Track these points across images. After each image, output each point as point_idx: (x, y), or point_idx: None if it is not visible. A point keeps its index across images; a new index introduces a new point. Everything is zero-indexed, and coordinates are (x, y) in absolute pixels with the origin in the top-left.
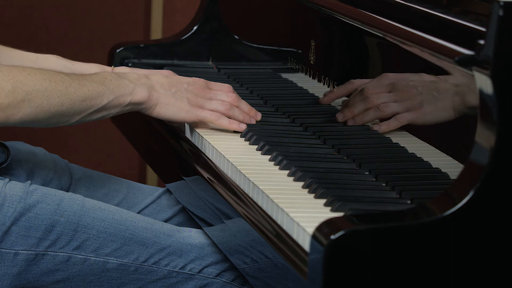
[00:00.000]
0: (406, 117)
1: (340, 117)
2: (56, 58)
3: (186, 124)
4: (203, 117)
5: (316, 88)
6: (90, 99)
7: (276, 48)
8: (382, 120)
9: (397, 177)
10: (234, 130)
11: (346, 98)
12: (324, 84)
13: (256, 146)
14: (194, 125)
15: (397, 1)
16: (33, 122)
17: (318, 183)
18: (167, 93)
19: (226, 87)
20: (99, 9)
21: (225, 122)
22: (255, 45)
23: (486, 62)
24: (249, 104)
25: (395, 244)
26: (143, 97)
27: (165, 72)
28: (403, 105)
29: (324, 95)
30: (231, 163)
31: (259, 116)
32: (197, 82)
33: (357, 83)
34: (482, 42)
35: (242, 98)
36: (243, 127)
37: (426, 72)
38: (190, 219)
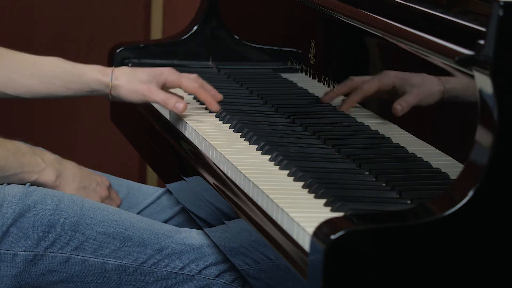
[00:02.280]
0: (371, 83)
1: (324, 99)
2: (57, 60)
3: (186, 124)
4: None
5: (316, 88)
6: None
7: (276, 48)
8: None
9: (397, 177)
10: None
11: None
12: (324, 84)
13: (256, 146)
14: (194, 125)
15: (397, 1)
16: None
17: (318, 183)
18: (74, 186)
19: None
20: (99, 9)
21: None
22: (255, 45)
23: (486, 62)
24: (249, 103)
25: (395, 244)
26: (49, 180)
27: (167, 69)
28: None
29: (325, 94)
30: (231, 163)
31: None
32: (103, 180)
33: (358, 80)
34: (482, 42)
35: (242, 98)
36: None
37: (426, 72)
38: (190, 219)
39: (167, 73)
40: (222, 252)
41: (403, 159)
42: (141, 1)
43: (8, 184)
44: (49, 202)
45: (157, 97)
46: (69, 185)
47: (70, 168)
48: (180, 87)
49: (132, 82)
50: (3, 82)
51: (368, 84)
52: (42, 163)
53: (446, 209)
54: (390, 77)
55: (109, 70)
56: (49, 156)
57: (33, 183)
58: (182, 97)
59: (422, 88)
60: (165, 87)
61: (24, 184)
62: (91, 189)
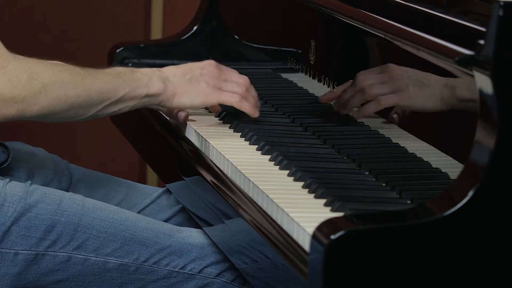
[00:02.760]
0: (389, 99)
1: (335, 107)
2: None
3: (186, 124)
4: (224, 99)
5: (316, 88)
6: (107, 91)
7: (276, 48)
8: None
9: (397, 177)
10: (250, 114)
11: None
12: (324, 84)
13: (256, 146)
14: (194, 125)
15: (397, 1)
16: (50, 115)
17: (318, 183)
18: (182, 80)
19: (235, 70)
20: (99, 9)
21: (246, 106)
22: (255, 45)
23: (486, 62)
24: None
25: (395, 244)
26: (158, 89)
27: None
28: (388, 87)
29: (325, 95)
30: (231, 163)
31: (259, 105)
32: (209, 64)
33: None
34: (482, 42)
35: None
36: (258, 113)
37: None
38: (190, 219)
39: None
40: (222, 251)
41: (403, 159)
42: (141, 1)
43: (9, 182)
44: (50, 201)
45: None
46: (178, 85)
47: (169, 70)
48: None
49: None
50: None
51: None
52: (145, 76)
53: (446, 209)
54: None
55: None
56: (147, 69)
57: (145, 97)
58: None
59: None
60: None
61: (142, 98)
62: (198, 77)
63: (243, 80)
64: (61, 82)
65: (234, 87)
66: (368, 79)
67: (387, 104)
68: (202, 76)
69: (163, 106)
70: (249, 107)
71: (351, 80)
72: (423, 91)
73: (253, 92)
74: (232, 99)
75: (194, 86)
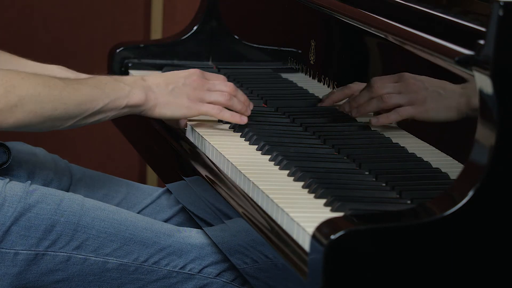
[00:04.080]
0: (408, 111)
1: (346, 108)
2: (60, 69)
3: (186, 124)
4: (205, 111)
5: (316, 88)
6: (85, 103)
7: (276, 48)
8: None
9: (397, 177)
10: (236, 122)
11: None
12: (324, 84)
13: (256, 146)
14: (194, 125)
15: (397, 1)
16: (26, 127)
17: (318, 183)
18: (164, 92)
19: (222, 76)
20: (99, 9)
21: (227, 115)
22: (255, 45)
23: (486, 62)
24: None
25: (395, 244)
26: (139, 99)
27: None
28: (406, 98)
29: (322, 99)
30: (231, 163)
31: (251, 105)
32: (193, 73)
33: (354, 87)
34: (482, 42)
35: None
36: (244, 120)
37: (426, 72)
38: (190, 219)
39: None
40: (222, 251)
41: (403, 159)
42: (141, 1)
43: (9, 182)
44: (50, 201)
45: None
46: (160, 96)
47: (153, 80)
48: None
49: None
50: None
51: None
52: (126, 86)
53: (446, 209)
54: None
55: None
56: (130, 78)
57: (125, 107)
58: None
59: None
60: None
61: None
62: (180, 87)
63: (227, 88)
64: (37, 96)
65: (217, 97)
66: (386, 87)
67: (406, 116)
68: (184, 87)
69: (145, 115)
70: (231, 116)
71: (355, 83)
72: (440, 103)
73: (241, 97)
74: (212, 111)
75: (176, 98)
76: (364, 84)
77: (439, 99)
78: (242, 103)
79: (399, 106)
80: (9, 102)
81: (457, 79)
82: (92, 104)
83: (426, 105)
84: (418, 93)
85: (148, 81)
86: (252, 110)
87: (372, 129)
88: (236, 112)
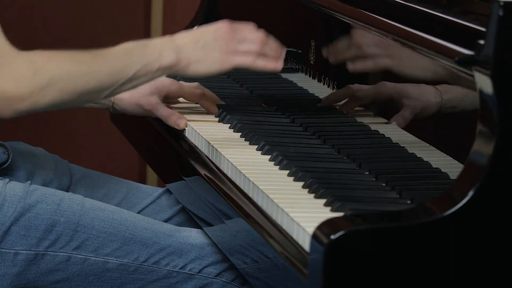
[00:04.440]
0: (384, 61)
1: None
2: None
3: (186, 123)
4: (238, 62)
5: (316, 88)
6: (117, 72)
7: None
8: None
9: (397, 177)
10: (271, 69)
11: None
12: (324, 84)
13: (256, 146)
14: (193, 125)
15: (397, 1)
16: (62, 105)
17: (318, 183)
18: (195, 49)
19: (251, 24)
20: (99, 9)
21: (261, 64)
22: None
23: (486, 62)
24: (249, 104)
25: (395, 244)
26: (171, 61)
27: (168, 80)
28: (384, 50)
29: (322, 100)
30: (231, 163)
31: (284, 51)
32: (222, 26)
33: (354, 88)
34: (482, 42)
35: (242, 99)
36: (280, 66)
37: (426, 72)
38: (190, 219)
39: (169, 85)
40: (222, 251)
41: (403, 159)
42: (141, 1)
43: (9, 182)
44: (50, 201)
45: (158, 112)
46: (191, 54)
47: (182, 39)
48: (183, 98)
49: (134, 95)
50: None
51: (363, 92)
52: (156, 49)
53: (446, 209)
54: (387, 88)
55: None
56: (158, 40)
57: (158, 71)
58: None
59: (419, 101)
60: (167, 98)
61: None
62: (211, 42)
63: (258, 36)
64: (67, 73)
65: (249, 47)
66: (366, 39)
67: (381, 65)
68: (215, 42)
69: (178, 75)
70: (266, 64)
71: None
72: (416, 63)
73: (272, 44)
74: (246, 61)
75: (207, 54)
76: (363, 86)
77: (416, 60)
78: (276, 49)
79: (377, 56)
80: (39, 84)
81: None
82: (124, 73)
83: (402, 60)
84: (398, 50)
85: (177, 41)
86: (252, 110)
87: (372, 129)
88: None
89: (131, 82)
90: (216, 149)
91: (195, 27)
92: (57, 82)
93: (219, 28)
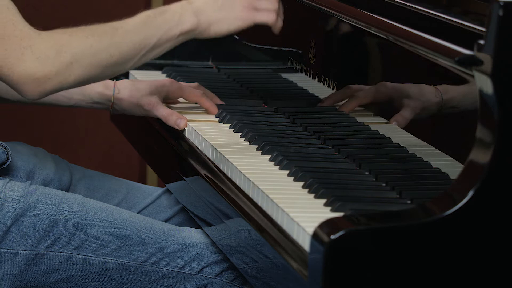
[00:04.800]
0: (371, 88)
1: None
2: None
3: (186, 123)
4: (260, 19)
5: (316, 88)
6: (139, 42)
7: (276, 48)
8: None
9: (397, 177)
10: (279, 28)
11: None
12: (324, 84)
13: (256, 146)
14: (194, 125)
15: (397, 1)
16: (89, 80)
17: (318, 183)
18: (214, 8)
19: None
20: (99, 9)
21: (279, 24)
22: (255, 45)
23: (486, 62)
24: (249, 104)
25: (395, 244)
26: (192, 24)
27: (168, 80)
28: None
29: (322, 100)
30: (231, 163)
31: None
32: None
33: (354, 88)
34: (482, 42)
35: (242, 98)
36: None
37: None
38: (190, 219)
39: (169, 85)
40: (222, 251)
41: (403, 159)
42: (141, 1)
43: (9, 182)
44: (50, 201)
45: (158, 112)
46: (211, 14)
47: (199, 1)
48: (183, 98)
49: (134, 95)
50: None
51: (363, 92)
52: (175, 14)
53: (446, 209)
54: (387, 88)
55: (111, 83)
56: (176, 5)
57: (180, 35)
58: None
59: (419, 101)
60: (167, 98)
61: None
62: (233, 3)
63: None
64: (90, 48)
65: (267, 4)
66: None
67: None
68: (237, 4)
69: (201, 38)
70: (280, 23)
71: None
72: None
73: (281, 5)
74: (268, 18)
75: (228, 12)
76: (363, 86)
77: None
78: (281, 9)
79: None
80: (64, 62)
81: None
82: (146, 42)
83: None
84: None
85: (196, 3)
86: (252, 110)
87: (372, 129)
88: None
89: (154, 50)
90: (216, 149)
91: None
92: (81, 58)
93: None
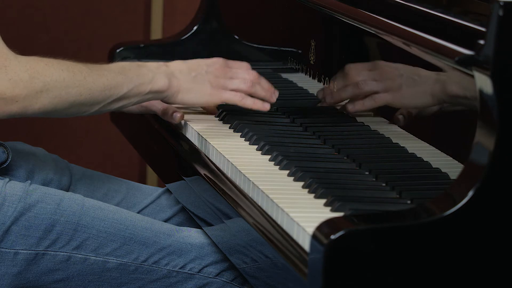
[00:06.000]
0: (383, 98)
1: (320, 94)
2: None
3: (186, 124)
4: (227, 98)
5: (316, 88)
6: (109, 88)
7: (276, 48)
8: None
9: (397, 177)
10: (258, 109)
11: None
12: (324, 84)
13: (256, 146)
14: (194, 125)
15: (397, 1)
16: (52, 113)
17: (318, 183)
18: (187, 78)
19: (245, 64)
20: (99, 9)
21: (249, 102)
22: (255, 45)
23: (486, 62)
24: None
25: (395, 244)
26: (163, 85)
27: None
28: (382, 85)
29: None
30: (231, 163)
31: (277, 93)
32: (216, 62)
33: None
34: (482, 42)
35: None
36: (267, 106)
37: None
38: (190, 219)
39: None
40: (222, 251)
41: (403, 159)
42: (141, 1)
43: (9, 181)
44: (50, 201)
45: (155, 107)
46: (183, 82)
47: (176, 66)
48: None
49: None
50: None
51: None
52: (150, 72)
53: (446, 209)
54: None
55: None
56: (153, 64)
57: (149, 93)
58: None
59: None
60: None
61: (146, 94)
62: (203, 75)
63: (250, 75)
64: (62, 81)
65: (238, 84)
66: (361, 74)
67: (381, 103)
68: (207, 75)
69: (166, 102)
70: (253, 103)
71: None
72: (415, 90)
73: (264, 84)
74: (235, 98)
75: (199, 85)
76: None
77: (414, 86)
78: (266, 90)
79: (375, 93)
80: (34, 88)
81: (431, 66)
82: (116, 90)
83: (401, 92)
84: (393, 80)
85: (171, 67)
86: (252, 110)
87: (372, 129)
88: (260, 99)
89: (122, 100)
90: (216, 149)
91: (195, 27)
92: (52, 88)
93: (213, 63)
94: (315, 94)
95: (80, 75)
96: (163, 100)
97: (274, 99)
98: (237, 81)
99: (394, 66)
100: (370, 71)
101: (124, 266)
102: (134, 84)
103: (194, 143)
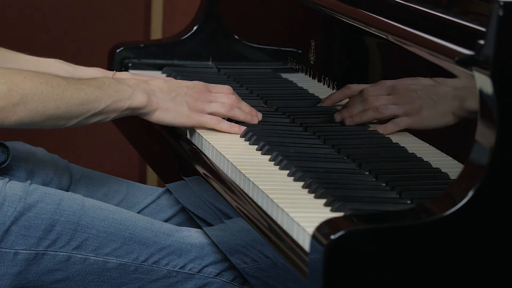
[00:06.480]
0: (405, 121)
1: (338, 117)
2: (58, 62)
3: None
4: (203, 121)
5: (316, 88)
6: (87, 103)
7: (276, 48)
8: (380, 122)
9: (397, 177)
10: (234, 133)
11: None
12: (324, 84)
13: (256, 146)
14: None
15: (397, 1)
16: (29, 125)
17: (318, 183)
18: (166, 97)
19: (226, 88)
20: (99, 9)
21: (225, 126)
22: (255, 45)
23: (486, 62)
24: (249, 104)
25: (395, 244)
26: (141, 102)
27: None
28: (402, 108)
29: (322, 100)
30: (231, 163)
31: (260, 116)
32: (197, 85)
33: (354, 88)
34: (482, 42)
35: (242, 98)
36: (242, 129)
37: (426, 72)
38: (190, 219)
39: None
40: (222, 251)
41: (403, 159)
42: (141, 1)
43: (9, 181)
44: (50, 201)
45: None
46: (161, 101)
47: (156, 84)
48: None
49: None
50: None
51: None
52: (129, 88)
53: (446, 209)
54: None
55: (110, 73)
56: (133, 80)
57: (127, 110)
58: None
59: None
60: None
61: (126, 110)
62: (182, 96)
63: (229, 100)
64: (40, 94)
65: (216, 108)
66: (380, 99)
67: (403, 126)
68: (186, 96)
69: (144, 118)
70: (229, 127)
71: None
72: (435, 110)
73: (245, 108)
74: (211, 122)
75: (177, 105)
76: (363, 86)
77: (433, 106)
78: (246, 113)
79: (395, 116)
80: (11, 100)
81: (449, 83)
82: (94, 105)
83: (421, 114)
84: (412, 103)
85: (151, 85)
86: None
87: (372, 129)
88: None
89: (99, 115)
90: (216, 149)
91: (195, 27)
92: (29, 101)
93: (194, 86)
94: (316, 94)
95: (58, 89)
96: (140, 117)
97: (255, 121)
98: (215, 104)
99: (413, 88)
100: (389, 95)
101: (124, 266)
102: (112, 100)
103: (194, 143)
